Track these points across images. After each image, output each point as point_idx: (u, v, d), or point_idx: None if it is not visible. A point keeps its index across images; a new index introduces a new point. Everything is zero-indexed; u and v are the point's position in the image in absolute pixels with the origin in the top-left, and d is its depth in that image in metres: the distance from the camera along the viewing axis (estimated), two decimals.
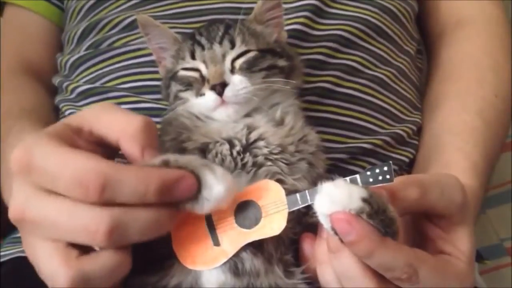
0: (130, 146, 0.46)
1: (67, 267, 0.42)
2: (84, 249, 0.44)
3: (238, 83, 0.54)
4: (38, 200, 0.43)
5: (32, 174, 0.43)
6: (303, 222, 0.52)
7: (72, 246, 0.43)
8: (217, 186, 0.44)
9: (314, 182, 0.52)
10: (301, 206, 0.48)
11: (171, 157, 0.46)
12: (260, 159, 0.52)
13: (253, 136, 0.54)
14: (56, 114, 0.79)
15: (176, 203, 0.45)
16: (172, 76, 0.59)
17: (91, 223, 0.41)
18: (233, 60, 0.56)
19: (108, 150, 0.48)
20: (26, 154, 0.43)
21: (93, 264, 0.43)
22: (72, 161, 0.42)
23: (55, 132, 0.45)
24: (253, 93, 0.54)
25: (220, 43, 0.56)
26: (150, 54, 0.67)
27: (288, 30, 0.69)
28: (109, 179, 0.41)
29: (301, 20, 0.72)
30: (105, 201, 0.41)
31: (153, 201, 0.43)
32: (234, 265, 0.48)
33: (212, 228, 0.48)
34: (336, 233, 0.44)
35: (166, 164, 0.45)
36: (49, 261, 0.43)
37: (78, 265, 0.42)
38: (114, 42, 0.75)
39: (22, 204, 0.44)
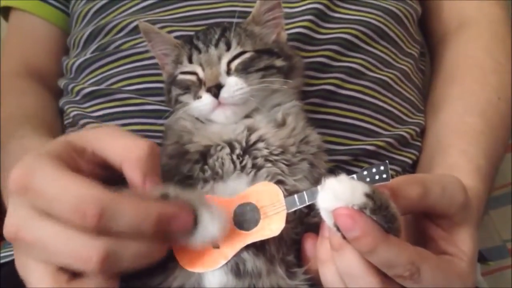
0: (132, 172, 0.46)
1: None
2: (74, 273, 0.44)
3: (233, 84, 0.54)
4: (33, 221, 0.43)
5: (29, 195, 0.43)
6: (305, 223, 0.52)
7: (63, 270, 0.43)
8: (212, 227, 0.45)
9: (315, 183, 0.53)
10: (299, 207, 0.49)
11: (171, 191, 0.46)
12: (259, 160, 0.53)
13: (253, 137, 0.54)
14: (60, 116, 0.80)
15: (170, 235, 0.45)
16: (172, 81, 0.60)
17: (85, 250, 0.42)
18: (229, 62, 0.56)
19: (110, 172, 0.47)
20: (25, 175, 0.43)
21: None
22: (71, 187, 0.42)
23: (56, 152, 0.45)
24: (249, 94, 0.54)
25: (216, 45, 0.57)
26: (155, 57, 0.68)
27: (292, 34, 0.70)
28: (107, 208, 0.41)
29: (305, 23, 0.72)
30: (101, 230, 0.42)
31: (148, 234, 0.43)
32: (236, 266, 0.49)
33: None
34: (338, 230, 0.44)
35: (165, 197, 0.46)
36: (39, 283, 0.43)
37: None
38: (120, 45, 0.75)
39: (17, 223, 0.44)
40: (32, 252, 0.44)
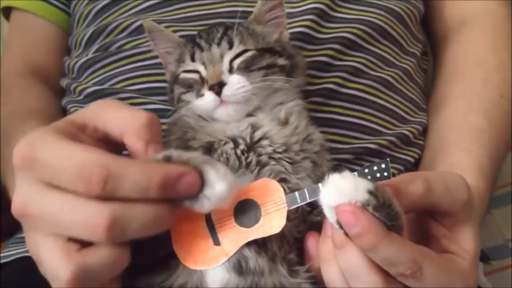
0: (134, 141, 0.46)
1: (68, 261, 0.42)
2: (84, 243, 0.43)
3: (235, 82, 0.54)
4: (40, 194, 0.43)
5: (34, 168, 0.43)
6: (307, 221, 0.53)
7: (73, 241, 0.43)
8: (219, 185, 0.44)
9: (318, 182, 0.52)
10: (300, 204, 0.49)
11: (174, 152, 0.46)
12: (264, 158, 0.53)
13: (257, 135, 0.54)
14: (63, 115, 0.80)
15: (176, 201, 0.44)
16: (175, 80, 0.60)
17: (91, 218, 0.42)
18: (231, 60, 0.56)
19: (113, 147, 0.48)
20: (29, 148, 0.43)
21: (94, 257, 0.43)
22: (75, 154, 0.42)
23: (59, 127, 0.45)
24: (252, 92, 0.54)
25: (219, 44, 0.57)
26: (158, 56, 0.68)
27: (293, 33, 0.70)
28: (112, 172, 0.41)
29: (307, 23, 0.72)
30: (107, 195, 0.41)
31: (154, 197, 0.43)
32: (238, 264, 0.49)
33: (212, 227, 0.49)
34: (341, 227, 0.44)
35: (168, 159, 0.45)
36: (50, 255, 0.43)
37: (79, 258, 0.42)
38: (123, 45, 0.75)
39: (24, 198, 0.44)
40: (41, 226, 0.44)
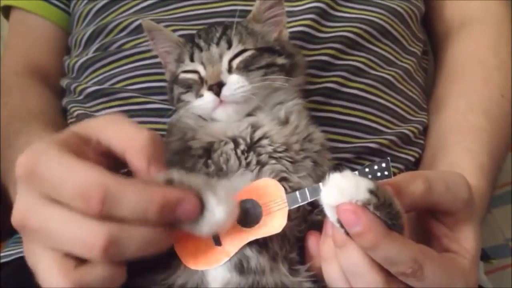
0: (136, 160, 0.46)
1: (65, 278, 0.42)
2: (81, 259, 0.44)
3: (235, 82, 0.54)
4: (40, 208, 0.43)
5: (36, 181, 0.43)
6: (308, 220, 0.52)
7: (70, 256, 0.43)
8: (218, 211, 0.44)
9: (319, 181, 0.52)
10: (301, 204, 0.49)
11: (176, 175, 0.46)
12: (264, 157, 0.53)
13: (258, 134, 0.54)
14: (63, 115, 0.80)
15: (175, 223, 0.44)
16: (174, 80, 0.60)
17: (89, 236, 0.42)
18: (230, 60, 0.56)
19: (115, 162, 0.47)
20: (32, 160, 0.43)
21: (90, 275, 0.43)
22: (76, 171, 0.42)
23: (62, 140, 0.45)
24: (251, 92, 0.54)
25: (218, 44, 0.57)
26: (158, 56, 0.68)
27: (294, 32, 0.70)
28: (111, 192, 0.41)
29: (307, 22, 0.72)
30: (105, 215, 0.41)
31: (153, 220, 0.43)
32: (239, 263, 0.49)
33: None
34: (342, 226, 0.44)
35: (170, 182, 0.45)
36: (47, 270, 0.43)
37: (75, 276, 0.43)
38: (123, 44, 0.75)
39: (24, 210, 0.44)
40: (39, 239, 0.44)
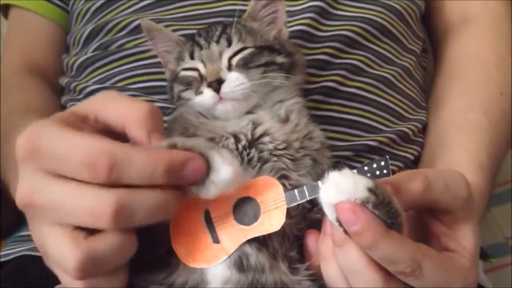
0: (136, 131, 0.46)
1: (76, 248, 0.42)
2: (91, 231, 0.43)
3: (234, 79, 0.55)
4: (45, 184, 0.43)
5: (38, 158, 0.43)
6: (307, 219, 0.53)
7: (79, 229, 0.43)
8: (225, 170, 0.44)
9: (318, 179, 0.52)
10: (299, 202, 0.49)
11: (178, 140, 0.46)
12: (265, 154, 0.53)
13: (259, 131, 0.54)
14: None
15: (182, 187, 0.44)
16: (174, 78, 0.60)
17: (97, 205, 0.41)
18: (230, 58, 0.57)
19: (114, 138, 0.47)
20: (32, 139, 0.43)
21: (101, 244, 0.43)
22: (79, 142, 0.42)
23: (61, 118, 0.45)
24: (250, 89, 0.55)
25: (217, 42, 0.57)
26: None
27: (293, 31, 0.70)
28: (117, 159, 0.41)
29: (306, 21, 0.72)
30: (113, 182, 0.41)
31: (160, 183, 0.42)
32: (239, 261, 0.49)
33: (211, 225, 0.48)
34: (340, 225, 0.44)
35: (173, 146, 0.45)
36: (57, 244, 0.43)
37: (86, 246, 0.42)
38: (123, 44, 0.75)
39: (29, 189, 0.43)
40: (47, 216, 0.43)
